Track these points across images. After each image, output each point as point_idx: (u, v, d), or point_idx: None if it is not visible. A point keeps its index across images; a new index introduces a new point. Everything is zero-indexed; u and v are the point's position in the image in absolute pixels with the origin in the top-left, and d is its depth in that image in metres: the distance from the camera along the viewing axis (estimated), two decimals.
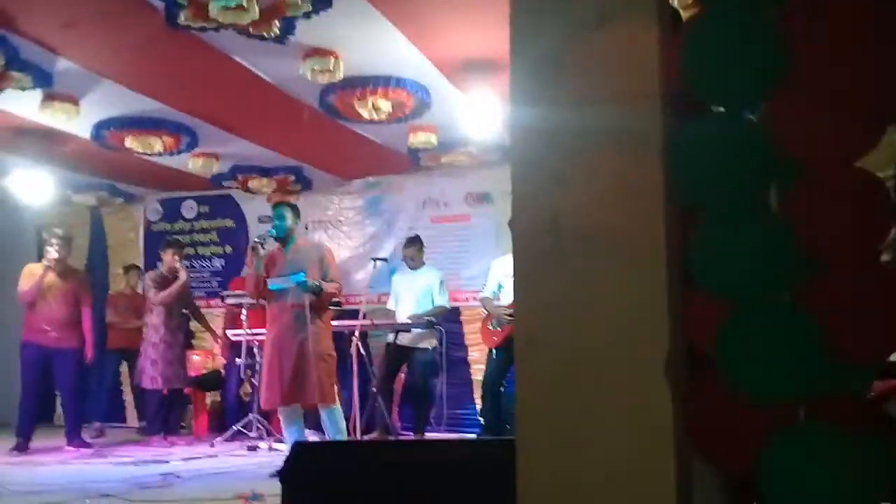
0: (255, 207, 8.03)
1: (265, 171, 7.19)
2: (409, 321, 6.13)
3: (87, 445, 6.25)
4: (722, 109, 1.60)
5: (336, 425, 4.80)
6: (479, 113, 5.14)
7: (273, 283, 4.73)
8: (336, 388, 5.07)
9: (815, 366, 1.42)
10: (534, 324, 1.48)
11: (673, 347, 1.40)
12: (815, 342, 1.42)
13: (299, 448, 1.88)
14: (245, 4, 3.58)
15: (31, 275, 6.15)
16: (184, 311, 6.72)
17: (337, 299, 6.97)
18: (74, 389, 6.34)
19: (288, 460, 1.81)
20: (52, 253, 6.16)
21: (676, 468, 1.35)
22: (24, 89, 4.73)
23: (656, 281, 1.41)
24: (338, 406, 4.86)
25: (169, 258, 6.64)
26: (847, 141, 1.49)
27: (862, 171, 1.49)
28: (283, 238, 4.85)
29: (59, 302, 6.17)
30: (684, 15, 2.51)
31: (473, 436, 6.17)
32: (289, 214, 4.87)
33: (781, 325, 1.45)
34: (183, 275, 6.56)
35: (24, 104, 5.14)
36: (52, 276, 6.16)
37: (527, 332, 1.48)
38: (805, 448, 1.37)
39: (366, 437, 5.85)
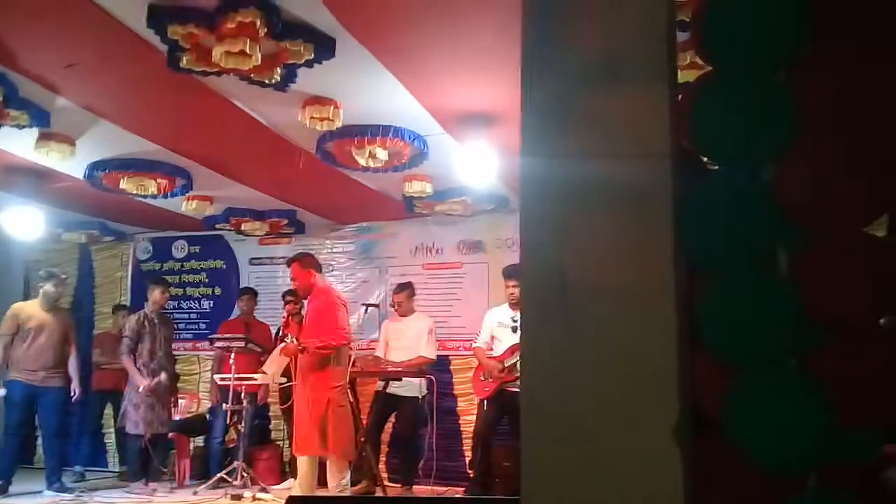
0: (247, 249, 8.01)
1: (258, 214, 7.18)
2: (399, 369, 6.06)
3: (67, 490, 6.09)
4: (730, 169, 1.60)
5: (335, 477, 4.91)
6: (475, 163, 5.17)
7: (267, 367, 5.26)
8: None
9: (824, 433, 1.40)
10: (539, 384, 1.45)
11: (683, 410, 1.37)
12: (823, 409, 1.40)
13: (293, 502, 1.82)
14: (248, 50, 3.60)
15: (14, 316, 6.11)
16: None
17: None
18: (58, 431, 6.22)
19: None
20: (52, 291, 6.13)
21: None
22: (20, 127, 4.72)
23: (666, 342, 1.39)
24: (305, 457, 4.94)
25: (157, 296, 6.59)
26: (856, 206, 1.49)
27: (871, 236, 1.49)
28: (304, 297, 5.36)
29: (48, 341, 6.10)
30: (683, 76, 2.55)
31: (461, 491, 6.05)
32: (297, 273, 5.35)
33: (789, 392, 1.43)
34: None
35: (20, 142, 5.13)
36: (42, 315, 6.11)
37: (532, 392, 1.45)
38: None
39: (352, 489, 5.72)
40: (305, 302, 5.48)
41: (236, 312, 7.55)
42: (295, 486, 4.86)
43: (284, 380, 6.69)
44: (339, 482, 4.85)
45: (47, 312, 6.16)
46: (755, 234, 1.51)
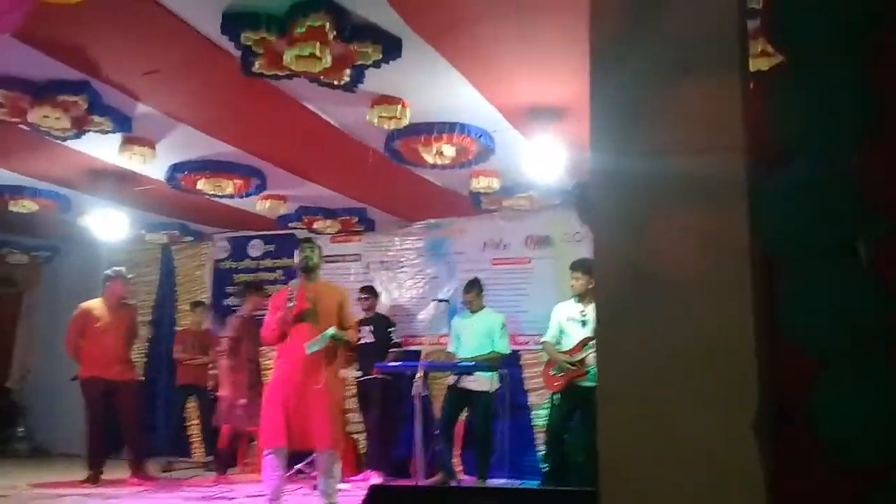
0: (320, 247, 8.15)
1: (330, 213, 7.32)
2: (470, 363, 6.09)
3: (151, 479, 6.36)
4: (809, 158, 1.57)
5: (328, 472, 4.73)
6: (542, 158, 5.15)
7: (310, 346, 4.67)
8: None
9: None
10: (615, 378, 1.46)
11: (762, 403, 1.36)
12: None
13: (376, 491, 1.88)
14: (318, 53, 3.69)
15: (84, 315, 6.40)
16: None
17: (396, 340, 7.01)
18: (138, 422, 6.51)
19: (364, 502, 1.81)
20: (113, 288, 6.43)
21: None
22: (104, 132, 4.94)
23: (744, 334, 1.38)
24: (337, 452, 4.72)
25: (257, 301, 6.86)
26: None
27: None
28: (309, 271, 4.75)
29: (117, 336, 6.39)
30: (755, 65, 2.49)
31: (535, 485, 6.05)
32: (316, 252, 4.84)
33: (875, 384, 1.40)
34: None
35: (104, 147, 5.37)
36: (110, 313, 6.40)
37: (608, 384, 1.46)
38: None
39: (427, 481, 5.79)
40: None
41: None
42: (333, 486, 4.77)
43: (360, 373, 6.82)
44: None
45: (114, 310, 6.46)
46: (835, 223, 1.48)
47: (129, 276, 6.81)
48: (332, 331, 4.53)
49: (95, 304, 6.50)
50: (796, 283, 1.50)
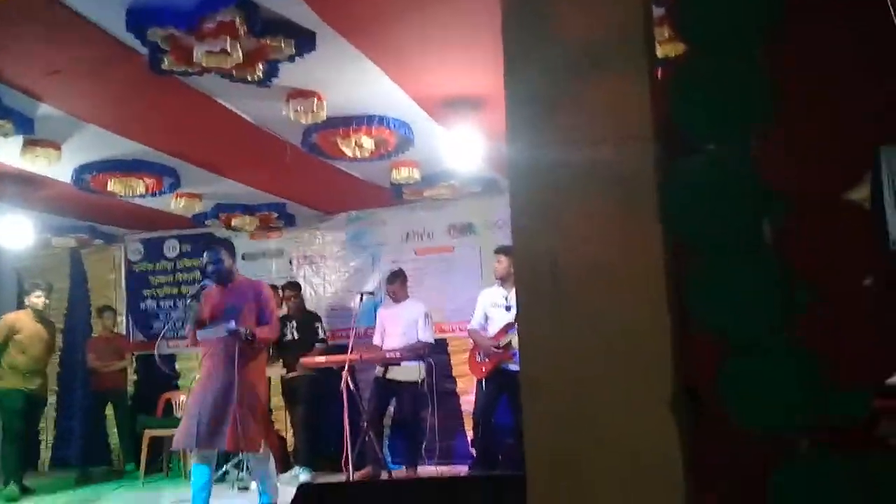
0: (238, 245, 7.96)
1: (248, 209, 7.19)
2: (397, 355, 6.12)
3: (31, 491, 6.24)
4: (711, 146, 1.64)
5: (258, 472, 4.78)
6: (461, 148, 5.20)
7: (202, 333, 4.65)
8: (269, 433, 4.89)
9: (816, 396, 1.46)
10: (538, 365, 1.50)
11: (677, 383, 1.42)
12: (813, 372, 1.45)
13: (305, 489, 1.88)
14: (228, 49, 3.61)
15: (8, 325, 6.21)
16: None
17: (322, 336, 6.95)
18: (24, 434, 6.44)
19: (293, 502, 1.81)
20: (39, 303, 6.23)
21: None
22: (5, 136, 4.71)
23: (658, 320, 1.44)
24: (261, 452, 4.67)
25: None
26: (836, 175, 1.54)
27: (849, 202, 1.54)
28: (223, 281, 4.75)
29: (42, 350, 6.20)
30: (662, 51, 2.58)
31: (465, 468, 6.14)
32: (224, 255, 4.79)
33: (780, 357, 1.49)
34: None
35: (5, 150, 5.13)
36: (37, 325, 6.19)
37: (531, 372, 1.50)
38: (812, 476, 1.40)
39: (357, 473, 5.80)
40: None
41: None
42: (269, 484, 4.77)
43: (284, 371, 6.75)
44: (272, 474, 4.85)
45: (40, 322, 6.31)
46: (740, 209, 1.56)
47: (45, 286, 6.61)
48: (232, 324, 4.51)
49: (14, 317, 6.35)
50: (704, 269, 1.57)
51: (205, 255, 4.82)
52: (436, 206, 7.22)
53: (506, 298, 5.68)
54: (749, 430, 1.42)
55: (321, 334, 6.93)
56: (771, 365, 1.46)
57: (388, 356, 6.13)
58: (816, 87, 1.51)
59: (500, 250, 5.83)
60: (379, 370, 6.26)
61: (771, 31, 1.57)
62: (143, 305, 8.29)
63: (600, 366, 1.46)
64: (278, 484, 4.85)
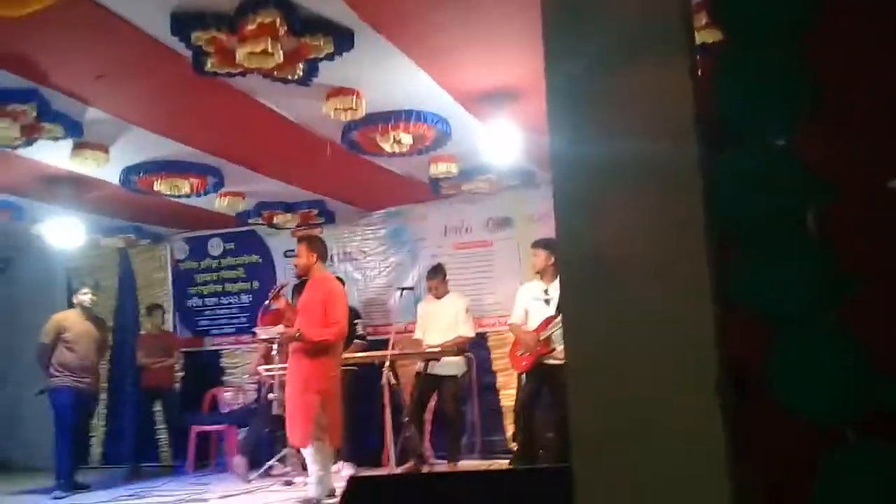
0: (280, 242, 8.15)
1: (289, 207, 7.30)
2: (438, 349, 6.16)
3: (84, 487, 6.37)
4: (754, 136, 1.64)
5: (311, 466, 4.86)
6: (498, 141, 5.22)
7: (260, 331, 4.94)
8: (322, 426, 4.91)
9: (861, 384, 1.45)
10: (583, 354, 1.52)
11: (721, 369, 1.43)
12: (859, 360, 1.45)
13: (355, 482, 1.92)
14: (270, 49, 3.68)
15: (57, 324, 6.38)
16: None
17: (361, 332, 7.02)
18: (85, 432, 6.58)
19: (344, 495, 1.85)
20: (86, 300, 6.39)
21: (731, 488, 1.38)
22: (55, 139, 4.86)
23: (702, 308, 1.44)
24: (312, 447, 4.79)
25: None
26: (878, 162, 1.53)
27: (893, 191, 1.54)
28: (301, 277, 5.00)
29: (92, 348, 6.37)
30: (700, 38, 2.56)
31: (506, 462, 6.16)
32: (302, 251, 5.00)
33: (825, 345, 1.49)
34: None
35: (56, 153, 5.28)
36: (85, 324, 6.36)
37: (576, 362, 1.52)
38: (858, 466, 1.40)
39: (400, 468, 5.86)
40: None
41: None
42: (314, 479, 4.87)
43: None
44: (320, 469, 4.89)
45: (90, 321, 6.47)
46: (783, 196, 1.56)
47: (92, 284, 6.79)
48: (279, 327, 4.71)
49: (65, 316, 6.51)
50: (749, 256, 1.57)
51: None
52: (474, 200, 7.24)
53: (545, 292, 5.68)
54: (794, 416, 1.42)
55: (359, 331, 7.00)
56: (817, 350, 1.46)
57: (428, 351, 6.17)
58: (857, 76, 1.51)
59: (538, 244, 5.83)
60: (420, 365, 6.31)
61: (811, 21, 1.57)
62: (189, 303, 8.46)
63: (645, 353, 1.48)
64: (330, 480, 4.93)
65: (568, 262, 1.57)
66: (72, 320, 6.45)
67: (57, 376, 6.27)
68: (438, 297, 6.57)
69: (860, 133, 1.49)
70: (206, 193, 6.32)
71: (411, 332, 6.80)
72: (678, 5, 1.65)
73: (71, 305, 6.89)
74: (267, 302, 5.49)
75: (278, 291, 5.30)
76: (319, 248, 5.19)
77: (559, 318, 5.39)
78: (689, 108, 1.56)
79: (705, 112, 1.61)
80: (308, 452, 4.82)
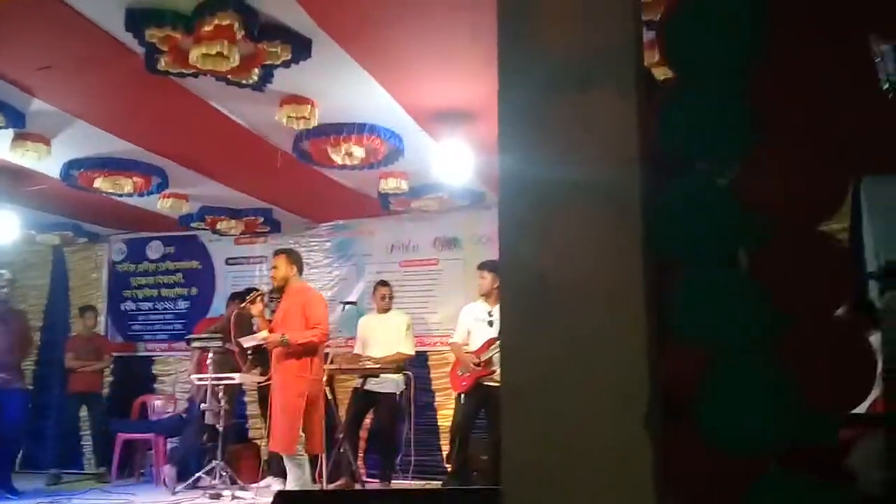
0: (222, 249, 8.01)
1: (234, 213, 7.19)
2: (377, 366, 6.11)
3: (15, 493, 6.10)
4: (695, 170, 1.68)
5: (293, 472, 4.84)
6: (451, 160, 5.24)
7: (245, 341, 4.99)
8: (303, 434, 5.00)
9: (788, 418, 1.49)
10: (521, 378, 1.52)
11: (653, 399, 1.45)
12: (787, 395, 1.49)
13: (282, 497, 1.88)
14: (225, 52, 3.63)
15: None
16: None
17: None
18: (21, 432, 6.28)
19: None
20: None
21: None
22: None
23: (638, 334, 1.47)
24: (294, 454, 4.83)
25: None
26: (812, 201, 1.58)
27: (824, 233, 1.59)
28: (280, 288, 5.15)
29: (5, 344, 6.11)
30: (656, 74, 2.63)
31: (439, 483, 6.13)
32: (281, 263, 5.13)
33: (754, 380, 1.52)
34: None
35: None
36: None
37: (513, 386, 1.53)
38: (781, 498, 1.43)
39: (331, 485, 5.78)
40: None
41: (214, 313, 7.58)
42: (290, 486, 4.86)
43: (262, 379, 6.71)
44: (300, 475, 4.89)
45: (1, 316, 6.20)
46: (720, 231, 1.59)
47: (8, 277, 6.49)
48: (263, 333, 4.81)
49: None
50: (685, 288, 1.60)
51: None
52: (422, 218, 7.24)
53: (489, 314, 5.70)
54: (722, 447, 1.45)
55: None
56: (747, 383, 1.50)
57: (367, 367, 6.12)
58: (799, 114, 1.56)
59: (484, 266, 5.86)
60: (358, 381, 6.25)
61: (755, 59, 1.62)
62: (122, 307, 8.24)
63: (579, 378, 1.49)
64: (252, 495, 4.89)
65: (509, 283, 1.58)
66: None
67: None
68: (381, 312, 6.54)
69: (798, 172, 1.53)
70: (149, 194, 6.18)
71: (351, 347, 6.74)
72: (629, 37, 1.68)
73: None
74: (242, 305, 5.62)
75: (256, 297, 5.41)
76: (298, 261, 5.36)
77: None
78: (636, 136, 1.59)
79: (651, 142, 1.64)
80: (289, 459, 4.82)
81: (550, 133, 1.65)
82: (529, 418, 1.51)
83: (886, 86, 1.68)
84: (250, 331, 6.93)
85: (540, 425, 1.50)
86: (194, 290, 8.09)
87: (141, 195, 6.18)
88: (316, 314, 5.06)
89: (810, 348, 1.51)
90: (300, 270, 5.37)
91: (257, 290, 5.87)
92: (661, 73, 2.76)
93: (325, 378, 5.44)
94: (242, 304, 5.63)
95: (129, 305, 8.23)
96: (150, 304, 8.18)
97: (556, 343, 1.52)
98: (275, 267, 5.25)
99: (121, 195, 6.13)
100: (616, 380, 1.48)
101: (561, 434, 1.48)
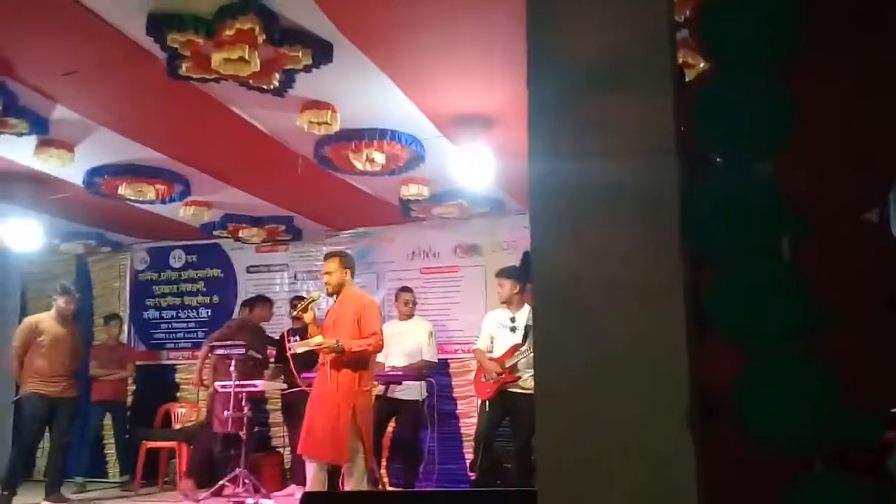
0: (244, 257, 8.03)
1: (256, 221, 7.20)
2: (400, 373, 6.08)
3: (65, 501, 6.10)
4: (733, 162, 1.63)
5: (350, 483, 4.76)
6: (472, 166, 5.20)
7: (295, 348, 4.98)
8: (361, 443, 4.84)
9: (831, 417, 1.43)
10: (554, 378, 1.48)
11: (693, 399, 1.40)
12: (829, 392, 1.43)
13: (310, 498, 1.85)
14: (247, 57, 3.63)
15: (30, 328, 6.18)
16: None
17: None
18: (68, 441, 6.31)
19: None
20: (62, 304, 6.22)
21: None
22: (20, 135, 4.74)
23: (676, 333, 1.42)
24: (351, 463, 4.70)
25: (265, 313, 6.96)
26: (855, 195, 1.52)
27: (870, 223, 1.53)
28: (333, 294, 4.98)
29: (64, 353, 6.17)
30: (689, 74, 2.59)
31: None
32: (332, 267, 4.93)
33: (796, 375, 1.46)
34: None
35: (19, 150, 5.15)
36: (57, 328, 6.17)
37: (547, 386, 1.48)
38: (824, 498, 1.37)
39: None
40: (333, 300, 5.21)
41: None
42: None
43: (285, 386, 6.69)
44: (356, 486, 4.78)
45: (62, 325, 6.26)
46: (759, 224, 1.54)
47: (77, 294, 6.59)
48: (317, 339, 4.70)
49: (42, 319, 6.30)
50: (723, 283, 1.55)
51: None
52: (443, 225, 7.22)
53: (511, 320, 5.65)
54: (763, 446, 1.39)
55: None
56: (788, 381, 1.44)
57: (390, 374, 6.09)
58: (837, 107, 1.51)
59: (502, 273, 5.80)
60: (380, 388, 6.21)
61: (793, 51, 1.57)
62: (145, 315, 8.28)
63: (616, 380, 1.44)
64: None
65: (541, 284, 1.54)
66: (46, 324, 6.26)
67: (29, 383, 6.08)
68: (403, 319, 6.51)
69: (839, 164, 1.48)
70: (171, 201, 6.20)
71: None
72: (663, 30, 1.64)
73: (24, 311, 6.69)
74: (294, 313, 5.50)
75: (308, 304, 5.13)
76: (351, 264, 5.09)
77: (525, 346, 5.39)
78: (671, 131, 1.55)
79: (686, 136, 1.59)
80: (346, 469, 4.72)
81: (581, 131, 1.61)
82: (565, 419, 1.46)
83: None
84: (262, 338, 6.93)
85: (576, 426, 1.45)
86: (216, 299, 8.11)
87: (164, 202, 6.20)
88: (371, 323, 4.82)
89: (853, 345, 1.45)
90: (353, 274, 5.10)
91: (305, 297, 5.69)
92: (692, 75, 2.71)
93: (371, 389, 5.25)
94: (295, 314, 5.52)
95: (152, 314, 8.26)
96: (172, 313, 8.21)
97: (591, 344, 1.48)
98: (328, 272, 4.96)
99: (143, 202, 6.16)
100: (654, 380, 1.43)
101: (598, 435, 1.43)
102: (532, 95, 1.69)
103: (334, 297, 5.06)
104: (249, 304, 7.22)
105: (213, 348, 6.66)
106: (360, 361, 4.78)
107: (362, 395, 4.82)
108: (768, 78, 1.56)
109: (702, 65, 2.96)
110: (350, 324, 4.77)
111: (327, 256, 5.15)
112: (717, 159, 1.69)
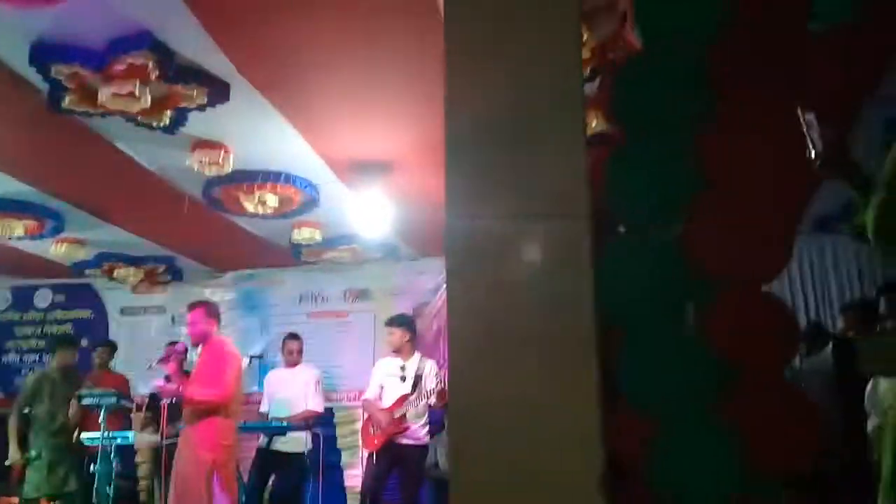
0: (118, 298, 7.59)
1: (133, 260, 6.84)
2: (284, 423, 5.86)
3: None
4: (641, 227, 1.68)
5: None
6: (368, 212, 5.16)
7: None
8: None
9: (733, 480, 1.47)
10: (466, 433, 1.45)
11: (605, 459, 1.41)
12: (732, 458, 1.47)
13: None
14: (137, 93, 3.47)
15: None
16: None
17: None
18: None
19: None
20: None
21: None
22: None
23: (589, 393, 1.43)
24: None
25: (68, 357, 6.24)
26: (756, 263, 1.59)
27: (768, 294, 1.60)
28: (196, 345, 4.73)
29: None
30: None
31: None
32: (199, 318, 4.69)
33: (701, 443, 1.50)
34: None
35: None
36: None
37: (459, 441, 1.45)
38: None
39: None
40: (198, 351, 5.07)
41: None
42: None
43: (157, 438, 6.30)
44: None
45: None
46: (665, 289, 1.59)
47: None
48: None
49: None
50: (632, 346, 1.58)
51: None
52: (333, 269, 7.10)
53: (402, 368, 5.57)
54: None
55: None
56: (695, 445, 1.47)
57: (274, 426, 5.85)
58: (743, 174, 1.58)
59: (393, 322, 5.72)
60: (262, 440, 5.95)
61: (701, 117, 1.64)
62: (4, 359, 7.65)
63: (530, 432, 1.43)
64: None
65: (457, 336, 1.52)
66: None
67: None
68: (290, 366, 6.30)
69: (743, 230, 1.55)
70: (41, 238, 5.80)
71: (257, 403, 6.44)
72: (572, 93, 1.68)
73: None
74: (156, 364, 5.05)
75: (170, 356, 4.82)
76: (217, 314, 4.87)
77: (414, 396, 5.32)
78: (584, 196, 1.58)
79: (598, 199, 1.63)
80: None
81: (498, 189, 1.62)
82: (474, 476, 1.44)
83: (812, 153, 1.74)
84: (75, 384, 6.45)
85: (485, 484, 1.43)
86: (85, 342, 7.58)
87: (33, 238, 5.79)
88: (221, 373, 4.60)
89: (755, 405, 1.50)
90: (219, 324, 4.89)
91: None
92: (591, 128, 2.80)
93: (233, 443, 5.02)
94: (157, 363, 5.14)
95: (12, 358, 7.65)
96: (34, 357, 7.62)
97: (504, 397, 1.47)
98: (192, 323, 4.74)
99: (10, 239, 5.73)
100: (568, 439, 1.43)
101: (509, 495, 1.41)
102: (449, 152, 1.68)
103: (198, 347, 4.86)
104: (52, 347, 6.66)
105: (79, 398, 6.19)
106: (211, 412, 4.55)
107: (221, 448, 4.58)
108: (676, 142, 1.62)
109: (594, 123, 3.08)
110: (210, 375, 4.60)
111: (191, 307, 4.93)
112: (623, 226, 1.74)
